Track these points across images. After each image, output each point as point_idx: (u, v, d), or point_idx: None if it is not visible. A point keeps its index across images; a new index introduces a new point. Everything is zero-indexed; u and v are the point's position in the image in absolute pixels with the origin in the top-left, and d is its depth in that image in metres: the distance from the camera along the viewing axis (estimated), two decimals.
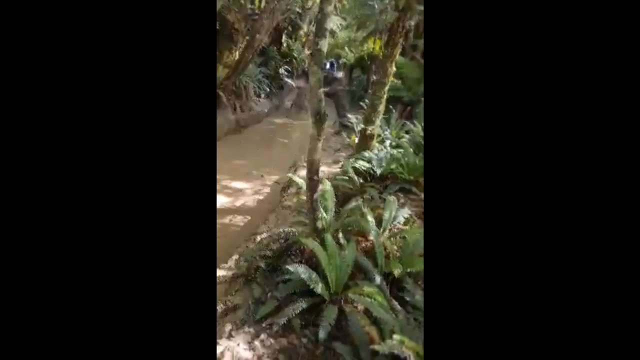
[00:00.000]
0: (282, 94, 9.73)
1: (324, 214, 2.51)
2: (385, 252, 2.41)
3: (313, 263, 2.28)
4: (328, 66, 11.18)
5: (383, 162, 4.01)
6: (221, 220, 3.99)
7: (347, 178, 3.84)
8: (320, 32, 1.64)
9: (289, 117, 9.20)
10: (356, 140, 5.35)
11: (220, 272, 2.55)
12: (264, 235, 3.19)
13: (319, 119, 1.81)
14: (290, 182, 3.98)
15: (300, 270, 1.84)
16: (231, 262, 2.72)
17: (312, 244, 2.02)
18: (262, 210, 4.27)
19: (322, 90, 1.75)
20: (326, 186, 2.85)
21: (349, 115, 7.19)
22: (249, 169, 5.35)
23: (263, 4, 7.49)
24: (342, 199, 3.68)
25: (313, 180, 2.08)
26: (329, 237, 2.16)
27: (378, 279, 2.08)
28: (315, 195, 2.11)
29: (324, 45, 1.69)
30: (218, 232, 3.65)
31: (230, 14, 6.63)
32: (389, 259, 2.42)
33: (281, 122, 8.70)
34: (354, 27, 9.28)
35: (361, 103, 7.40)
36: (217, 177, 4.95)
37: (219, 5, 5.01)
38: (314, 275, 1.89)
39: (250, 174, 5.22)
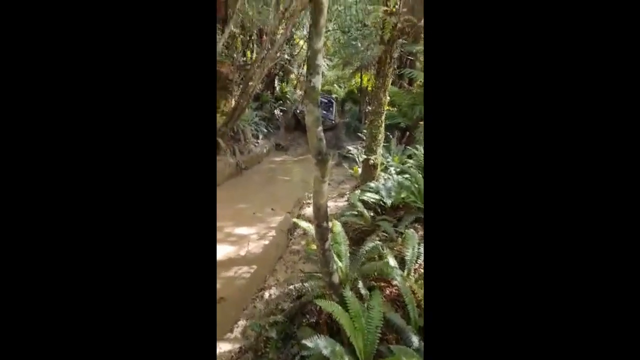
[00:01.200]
0: (279, 134, 9.86)
1: (339, 263, 2.19)
2: (415, 299, 2.06)
3: (332, 324, 1.93)
4: (326, 102, 11.03)
5: (392, 191, 3.76)
6: (226, 274, 3.67)
7: (356, 213, 3.56)
8: (312, 69, 1.51)
9: (288, 154, 9.22)
10: (359, 171, 5.18)
11: (225, 346, 2.16)
12: (273, 290, 2.84)
13: (322, 159, 1.61)
14: (296, 226, 3.69)
15: (321, 345, 1.50)
16: (237, 331, 2.34)
17: (330, 306, 1.69)
18: (269, 257, 3.96)
19: (320, 129, 1.57)
20: (337, 227, 2.56)
21: (348, 147, 7.13)
22: (253, 211, 5.10)
23: (254, 55, 7.90)
24: (355, 237, 3.36)
25: (322, 227, 1.81)
26: (348, 293, 1.83)
27: (415, 340, 1.70)
28: (326, 245, 1.83)
29: (318, 82, 1.54)
30: (223, 289, 3.31)
31: (224, 67, 6.94)
32: (420, 307, 2.05)
33: (280, 160, 8.68)
34: (341, 66, 9.75)
35: (359, 134, 7.39)
36: (220, 224, 4.72)
37: None
38: (338, 347, 1.53)
39: (254, 216, 4.98)
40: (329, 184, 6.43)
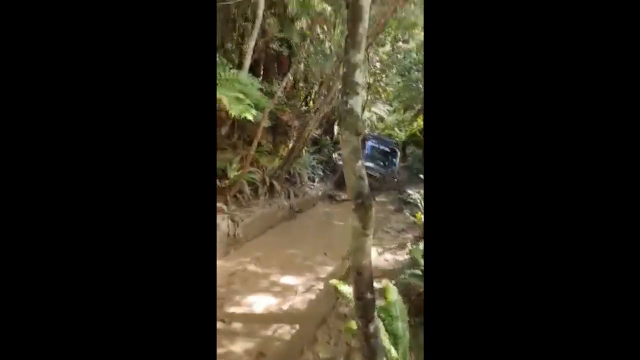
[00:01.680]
0: (335, 177, 9.73)
1: (394, 353, 1.53)
2: None
3: None
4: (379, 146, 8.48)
5: None
6: (265, 332, 3.30)
7: (420, 273, 2.81)
8: (348, 88, 1.18)
9: (344, 197, 8.90)
10: (423, 218, 4.42)
11: None
12: None
13: (362, 203, 1.16)
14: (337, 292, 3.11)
15: None
16: None
17: None
18: (313, 315, 3.51)
19: (360, 163, 1.16)
20: (391, 295, 1.93)
21: (409, 191, 6.45)
22: (303, 258, 4.78)
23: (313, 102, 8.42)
24: (419, 305, 2.59)
25: (365, 299, 1.28)
26: None
27: None
28: (371, 327, 1.26)
29: (357, 104, 1.19)
30: (259, 348, 2.90)
31: (285, 115, 7.49)
32: None
33: (335, 204, 8.37)
34: (401, 110, 9.38)
35: (421, 176, 6.67)
36: (267, 271, 4.53)
37: (271, 105, 5.65)
38: None
39: (303, 264, 4.63)
40: (388, 232, 5.70)
